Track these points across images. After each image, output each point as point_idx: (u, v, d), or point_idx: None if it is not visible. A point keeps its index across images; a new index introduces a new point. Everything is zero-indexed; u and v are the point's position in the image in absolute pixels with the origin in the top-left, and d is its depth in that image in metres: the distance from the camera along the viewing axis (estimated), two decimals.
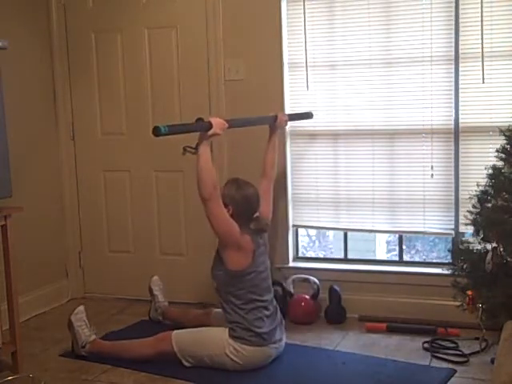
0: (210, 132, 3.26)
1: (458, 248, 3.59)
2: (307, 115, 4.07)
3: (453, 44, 3.83)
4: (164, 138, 4.43)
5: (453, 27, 3.82)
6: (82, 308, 3.64)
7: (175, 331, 3.48)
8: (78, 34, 4.60)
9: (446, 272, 3.66)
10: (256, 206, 3.51)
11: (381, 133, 4.06)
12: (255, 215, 3.51)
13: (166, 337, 3.44)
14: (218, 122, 3.30)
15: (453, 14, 3.81)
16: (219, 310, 3.78)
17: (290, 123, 4.21)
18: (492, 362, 3.14)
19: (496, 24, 3.72)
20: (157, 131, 3.12)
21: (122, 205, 4.64)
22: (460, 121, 3.87)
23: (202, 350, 3.37)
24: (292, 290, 4.10)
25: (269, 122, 3.82)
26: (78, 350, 3.59)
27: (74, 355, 3.61)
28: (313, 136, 4.21)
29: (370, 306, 4.07)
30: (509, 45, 3.71)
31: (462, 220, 3.81)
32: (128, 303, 4.54)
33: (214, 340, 3.37)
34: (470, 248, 3.50)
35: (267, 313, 3.42)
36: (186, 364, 3.40)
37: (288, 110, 4.19)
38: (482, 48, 3.73)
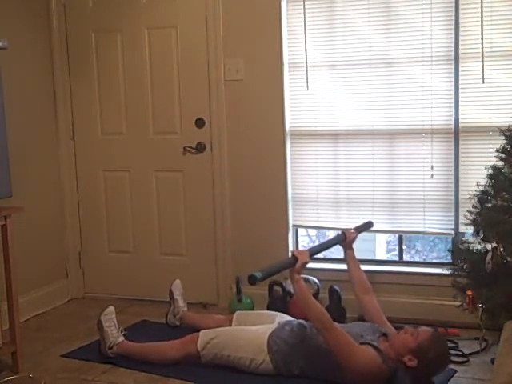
0: (297, 266, 3.22)
1: (458, 248, 3.59)
2: (369, 225, 3.99)
3: (453, 44, 3.83)
4: (164, 137, 4.47)
5: (453, 27, 3.82)
6: (112, 309, 3.59)
7: (203, 331, 3.44)
8: (78, 34, 4.60)
9: (446, 272, 3.66)
10: (440, 372, 3.11)
11: (381, 133, 4.06)
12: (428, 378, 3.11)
13: (193, 337, 3.40)
14: (301, 255, 3.26)
15: (453, 14, 3.82)
16: (241, 312, 3.77)
17: (290, 123, 4.22)
18: (492, 362, 3.14)
19: (496, 24, 3.72)
20: (252, 279, 3.14)
21: (121, 205, 4.64)
22: (460, 121, 3.87)
23: (233, 350, 3.31)
24: (292, 290, 4.09)
25: (339, 242, 3.75)
26: (105, 351, 3.53)
27: (100, 356, 3.56)
28: (313, 136, 4.21)
29: None
30: (509, 45, 3.72)
31: (462, 220, 3.81)
32: (128, 303, 4.54)
33: (255, 342, 3.31)
34: (470, 248, 3.50)
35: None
36: (204, 361, 3.37)
37: (288, 110, 4.19)
38: (482, 48, 3.73)
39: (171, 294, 3.99)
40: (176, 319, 3.97)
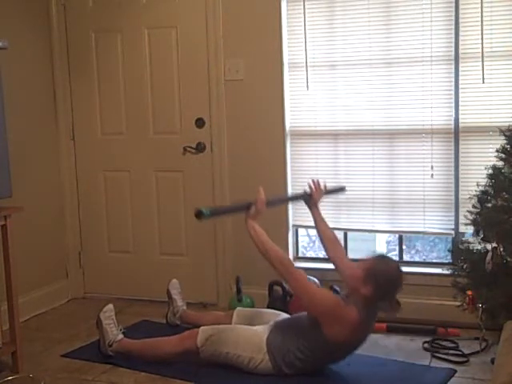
0: (251, 211, 3.25)
1: (458, 248, 3.59)
2: (341, 189, 3.97)
3: (453, 44, 3.83)
4: (164, 137, 4.47)
5: (453, 27, 3.82)
6: (111, 306, 3.60)
7: (203, 327, 3.44)
8: (78, 34, 4.60)
9: (446, 272, 3.66)
10: (398, 290, 3.22)
11: (381, 133, 4.06)
12: (392, 299, 3.22)
13: (192, 334, 3.40)
14: (259, 202, 3.28)
15: (453, 14, 3.82)
16: (240, 309, 3.77)
17: (290, 123, 4.22)
18: (492, 362, 3.14)
19: (496, 24, 3.72)
20: (199, 214, 3.14)
21: (121, 205, 4.64)
22: (460, 121, 3.87)
23: (229, 347, 3.30)
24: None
25: (304, 199, 3.75)
26: (105, 348, 3.54)
27: (100, 354, 3.57)
28: (313, 136, 4.21)
29: None
30: (509, 45, 3.72)
31: (462, 220, 3.81)
32: (128, 303, 4.54)
33: (253, 341, 3.30)
34: (470, 248, 3.50)
35: (308, 369, 3.29)
36: (203, 358, 3.36)
37: (288, 110, 4.19)
38: (482, 48, 3.73)
39: (169, 293, 4.00)
40: (176, 318, 3.98)
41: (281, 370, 3.25)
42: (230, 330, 3.41)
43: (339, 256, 3.62)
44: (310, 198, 3.71)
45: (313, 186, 3.72)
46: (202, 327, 3.44)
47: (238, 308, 3.78)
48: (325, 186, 3.77)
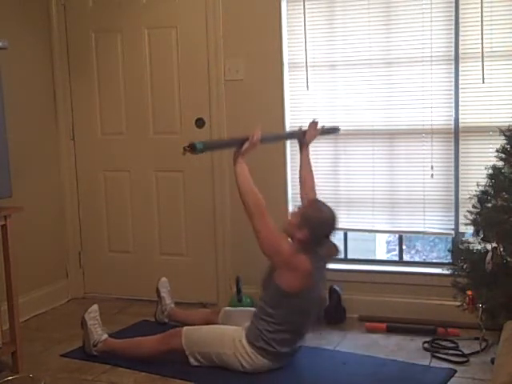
0: (246, 146, 3.23)
1: (458, 248, 3.59)
2: (334, 130, 3.97)
3: (453, 44, 3.84)
4: (164, 137, 4.47)
5: (453, 27, 3.82)
6: (95, 307, 3.62)
7: (186, 327, 3.46)
8: (78, 34, 4.60)
9: (446, 272, 3.66)
10: (332, 231, 3.38)
11: (381, 133, 4.06)
12: (328, 240, 3.38)
13: (177, 332, 3.41)
14: (255, 137, 3.26)
15: (453, 14, 3.82)
16: (229, 308, 3.79)
17: (290, 123, 4.22)
18: (492, 362, 3.14)
19: (496, 24, 3.72)
20: (193, 149, 3.09)
21: (121, 205, 4.64)
22: (460, 121, 3.87)
23: (211, 348, 3.33)
24: None
25: (298, 137, 3.77)
26: (90, 349, 3.57)
27: (84, 354, 3.59)
28: None
29: (370, 306, 4.07)
30: (509, 45, 3.72)
31: (462, 220, 3.81)
32: (128, 303, 4.54)
33: (226, 338, 3.33)
34: (470, 248, 3.50)
35: (297, 338, 3.37)
36: (193, 362, 3.37)
37: (288, 110, 4.20)
38: (482, 48, 3.73)
39: (158, 291, 4.05)
40: (164, 316, 4.02)
41: (269, 352, 3.27)
42: (211, 331, 3.43)
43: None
44: (304, 136, 3.73)
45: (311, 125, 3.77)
46: (185, 328, 3.45)
47: (225, 308, 3.81)
48: (322, 127, 3.81)
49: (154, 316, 4.08)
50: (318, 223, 3.31)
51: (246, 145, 3.23)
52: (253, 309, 3.73)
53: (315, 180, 3.78)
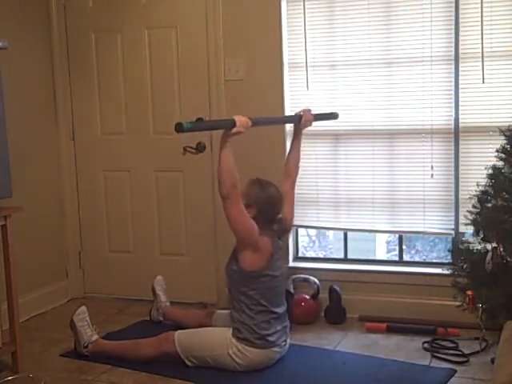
0: (234, 130, 3.18)
1: (458, 248, 3.59)
2: (333, 115, 3.97)
3: (453, 44, 3.83)
4: (164, 137, 4.46)
5: (453, 27, 3.82)
6: (84, 308, 3.65)
7: (178, 331, 3.48)
8: (78, 34, 4.60)
9: (446, 272, 3.66)
10: (279, 207, 3.47)
11: (381, 133, 4.06)
12: (278, 216, 3.48)
13: (169, 337, 3.43)
14: (241, 120, 3.20)
15: (453, 14, 3.82)
16: (221, 311, 3.79)
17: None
18: (492, 361, 3.14)
19: (496, 24, 3.72)
20: (179, 128, 3.02)
21: (122, 205, 4.64)
22: (460, 121, 3.87)
23: (204, 350, 3.36)
24: (292, 290, 4.09)
25: (294, 122, 3.77)
26: (81, 350, 3.59)
27: (76, 355, 3.61)
28: (313, 136, 4.20)
29: (370, 306, 4.07)
30: (509, 45, 3.72)
31: (462, 220, 3.81)
32: (128, 303, 4.54)
33: (216, 340, 3.36)
34: (470, 248, 3.50)
35: (275, 316, 3.40)
36: (189, 364, 3.39)
37: (288, 111, 4.19)
38: (482, 48, 3.73)
39: (153, 289, 4.07)
40: (159, 314, 4.04)
41: (257, 339, 3.30)
42: (202, 334, 3.44)
43: (289, 189, 3.70)
44: (300, 121, 3.71)
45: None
46: (176, 332, 3.47)
47: (217, 311, 3.82)
48: (316, 114, 3.80)
49: (149, 314, 4.10)
50: (264, 201, 3.39)
51: (234, 128, 3.18)
52: None
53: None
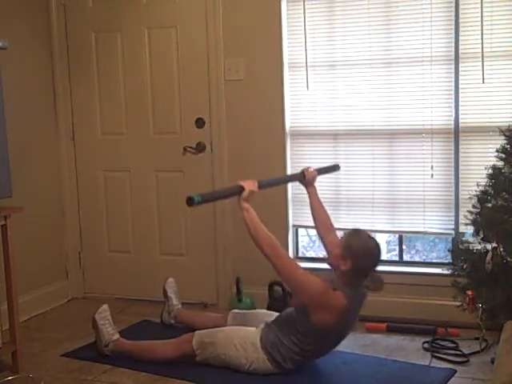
0: (244, 194, 3.21)
1: (458, 248, 3.59)
2: (335, 168, 3.95)
3: (453, 44, 3.84)
4: (164, 137, 4.47)
5: (453, 27, 3.82)
6: (105, 307, 3.62)
7: (198, 331, 3.45)
8: (78, 34, 4.60)
9: (446, 272, 3.66)
10: (376, 263, 3.27)
11: (381, 133, 4.06)
12: (372, 272, 3.26)
13: (189, 338, 3.41)
14: (248, 184, 3.25)
15: (453, 14, 3.82)
16: (236, 311, 3.77)
17: (290, 123, 4.22)
18: (492, 361, 3.14)
19: (496, 24, 3.72)
20: (190, 202, 3.09)
21: (122, 205, 4.64)
22: (460, 121, 3.87)
23: (222, 349, 3.31)
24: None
25: (298, 179, 3.72)
26: (102, 348, 3.57)
27: (96, 353, 3.59)
28: (313, 136, 4.21)
29: (370, 306, 4.05)
30: (509, 45, 3.72)
31: (462, 220, 3.81)
32: (128, 303, 4.54)
33: (236, 342, 3.31)
34: (470, 248, 3.50)
35: (309, 361, 3.34)
36: (198, 359, 3.37)
37: (288, 110, 4.19)
38: (482, 48, 3.73)
39: (165, 292, 4.01)
40: (171, 317, 3.99)
41: (280, 365, 3.26)
42: (223, 332, 3.41)
43: (331, 241, 3.55)
44: (305, 178, 3.68)
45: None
46: (197, 331, 3.45)
47: (234, 310, 3.79)
48: (318, 168, 3.76)
49: (160, 317, 4.04)
50: (362, 254, 3.20)
51: (245, 192, 3.21)
52: (264, 311, 3.76)
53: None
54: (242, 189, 3.22)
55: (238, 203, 3.25)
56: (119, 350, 3.54)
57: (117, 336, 3.57)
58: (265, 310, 3.81)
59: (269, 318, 3.52)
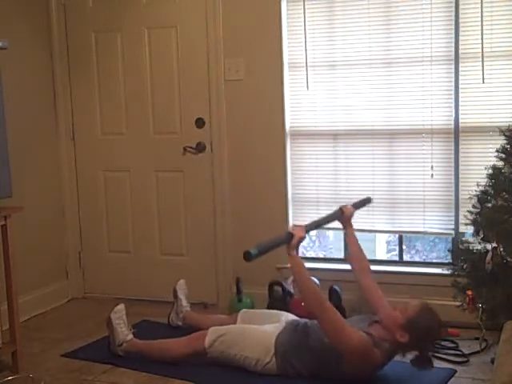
0: (293, 242, 3.20)
1: (458, 248, 3.59)
2: (368, 201, 3.89)
3: (453, 44, 3.83)
4: (164, 137, 4.47)
5: (453, 27, 3.82)
6: (121, 306, 3.61)
7: (212, 328, 3.44)
8: (78, 34, 4.60)
9: (446, 272, 3.66)
10: (433, 343, 3.23)
11: (381, 133, 4.06)
12: (426, 349, 3.18)
13: (200, 335, 3.41)
14: (297, 230, 3.24)
15: (453, 14, 3.82)
16: (245, 310, 3.77)
17: (290, 123, 4.22)
18: (492, 361, 3.14)
19: (496, 24, 3.72)
20: (248, 256, 3.09)
21: (122, 205, 4.64)
22: (460, 121, 3.87)
23: (236, 348, 3.31)
24: (292, 290, 4.10)
25: (337, 218, 3.67)
26: (115, 348, 3.56)
27: (110, 353, 3.58)
28: (313, 136, 4.21)
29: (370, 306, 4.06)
30: (509, 45, 3.72)
31: (462, 220, 3.81)
32: (128, 303, 4.50)
33: (259, 343, 3.31)
34: (470, 248, 3.50)
35: None
36: (209, 355, 3.37)
37: (288, 110, 4.19)
38: (482, 48, 3.73)
39: (175, 293, 3.97)
40: (179, 319, 3.95)
41: (285, 370, 3.26)
42: (239, 331, 3.41)
43: (370, 285, 3.52)
44: (342, 214, 3.63)
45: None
46: (211, 328, 3.44)
47: (244, 310, 3.77)
48: (353, 204, 3.71)
49: (167, 317, 4.00)
50: (423, 335, 3.12)
51: (294, 240, 3.20)
52: (274, 311, 3.74)
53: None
54: (291, 236, 3.22)
55: (287, 251, 3.24)
56: (132, 350, 3.53)
57: (131, 336, 3.56)
58: (276, 311, 3.76)
59: (280, 317, 3.52)
